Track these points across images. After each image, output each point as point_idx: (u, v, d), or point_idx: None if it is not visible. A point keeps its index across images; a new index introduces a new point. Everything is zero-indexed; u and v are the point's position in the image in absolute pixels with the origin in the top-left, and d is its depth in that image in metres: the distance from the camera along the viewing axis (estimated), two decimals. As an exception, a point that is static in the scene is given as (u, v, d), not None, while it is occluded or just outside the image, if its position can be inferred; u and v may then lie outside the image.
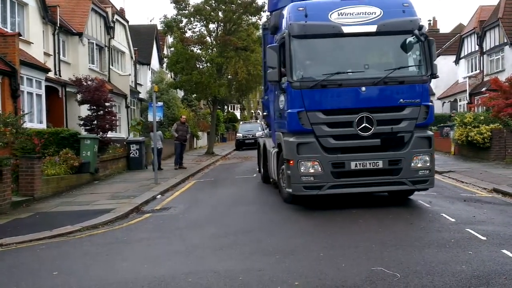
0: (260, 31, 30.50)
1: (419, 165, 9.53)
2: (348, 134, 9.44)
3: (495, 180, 13.45)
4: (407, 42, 9.70)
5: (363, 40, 9.69)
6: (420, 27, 9.60)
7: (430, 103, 9.84)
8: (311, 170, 9.40)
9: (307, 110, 9.40)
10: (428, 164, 9.60)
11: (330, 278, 5.95)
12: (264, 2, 27.52)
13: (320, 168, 9.36)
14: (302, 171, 9.40)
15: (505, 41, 31.16)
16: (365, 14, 9.57)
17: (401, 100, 9.52)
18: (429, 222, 8.73)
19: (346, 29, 9.47)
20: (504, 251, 6.75)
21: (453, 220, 8.81)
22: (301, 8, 9.65)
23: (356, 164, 9.42)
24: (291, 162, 9.55)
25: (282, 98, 10.20)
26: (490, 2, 35.95)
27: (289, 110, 9.63)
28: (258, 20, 28.68)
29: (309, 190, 9.49)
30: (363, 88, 9.44)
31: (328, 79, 9.41)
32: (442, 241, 7.33)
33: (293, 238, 7.97)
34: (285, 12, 10.30)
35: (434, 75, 9.71)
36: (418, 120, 9.56)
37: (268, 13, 11.97)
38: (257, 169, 18.81)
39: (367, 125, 9.39)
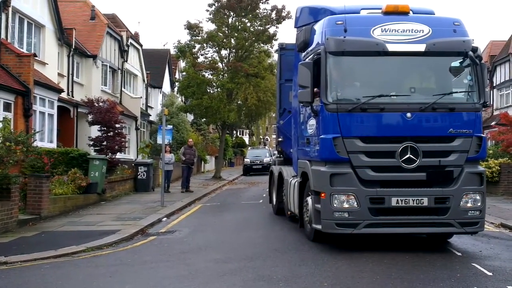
0: (271, 59, 31.27)
1: (469, 204, 8.47)
2: (389, 166, 8.40)
3: (503, 215, 13.32)
4: (458, 65, 8.75)
5: (409, 60, 8.74)
6: (474, 49, 8.67)
7: (483, 135, 8.85)
8: (346, 205, 8.33)
9: (344, 137, 8.36)
10: (479, 204, 8.50)
11: (333, 308, 5.91)
12: (276, 31, 28.00)
13: (356, 203, 8.29)
14: (335, 205, 8.33)
15: (516, 76, 31.27)
16: (412, 32, 8.60)
17: (451, 129, 8.49)
18: (435, 255, 8.64)
19: (391, 47, 8.47)
20: (510, 287, 6.67)
21: (459, 254, 8.73)
22: (339, 22, 8.67)
23: (398, 200, 8.31)
24: (323, 194, 8.48)
25: (312, 121, 9.16)
26: (501, 37, 36.23)
27: (322, 136, 8.60)
28: (270, 48, 29.13)
29: (342, 228, 8.38)
30: (409, 114, 8.40)
31: (369, 102, 8.38)
32: (447, 275, 7.25)
33: (297, 266, 7.92)
34: (318, 26, 9.34)
35: (486, 104, 8.82)
36: (470, 153, 8.52)
37: (296, 29, 10.91)
38: (264, 195, 18.89)
39: (411, 156, 8.34)
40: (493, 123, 30.00)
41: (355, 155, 8.36)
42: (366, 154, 8.38)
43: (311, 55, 9.26)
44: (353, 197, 8.29)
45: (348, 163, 8.38)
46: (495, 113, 32.05)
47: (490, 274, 7.41)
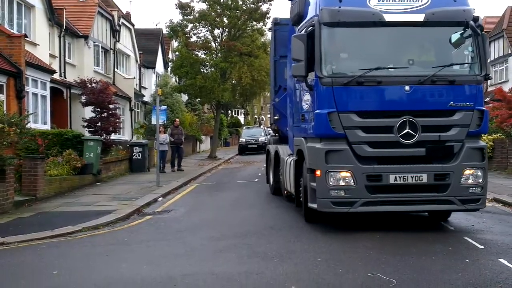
0: (264, 37, 31.04)
1: (470, 181, 8.16)
2: (387, 141, 8.08)
3: (495, 190, 13.45)
4: (458, 35, 8.35)
5: (407, 31, 8.32)
6: (476, 19, 8.27)
7: (485, 108, 8.51)
8: (342, 183, 8.03)
9: (339, 111, 8.02)
10: (480, 180, 8.19)
11: (327, 282, 6.01)
12: (269, 8, 27.75)
13: (352, 181, 7.99)
14: (331, 183, 8.03)
15: (509, 52, 31.30)
16: (410, 1, 8.21)
17: (452, 103, 8.15)
18: (429, 231, 8.75)
19: (388, 17, 8.08)
20: (501, 260, 6.79)
21: (452, 228, 8.86)
22: None
23: (395, 177, 8.01)
24: (318, 172, 8.16)
25: (307, 97, 8.81)
26: (495, 13, 36.09)
27: (317, 111, 8.26)
28: (263, 26, 28.90)
29: (339, 207, 8.09)
30: (407, 87, 8.04)
31: (366, 75, 8.02)
32: (440, 249, 7.37)
33: (292, 243, 8.02)
34: None
35: (488, 76, 8.48)
36: (471, 128, 8.18)
37: (290, 2, 10.37)
38: (259, 174, 18.99)
39: (410, 131, 8.01)
40: (487, 99, 30.05)
41: (352, 131, 8.04)
42: (362, 130, 8.07)
43: (305, 28, 8.93)
44: (349, 175, 7.99)
45: (344, 139, 8.06)
46: (490, 89, 32.08)
47: (482, 247, 7.54)
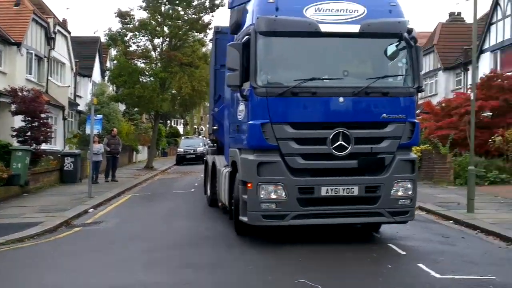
0: (205, 48, 31.10)
1: (399, 193, 8.15)
2: (320, 153, 7.96)
3: (421, 199, 14.01)
4: (393, 47, 8.32)
5: (343, 41, 8.25)
6: (410, 31, 8.26)
7: (417, 121, 8.49)
8: (273, 196, 7.85)
9: (273, 122, 7.84)
10: (410, 193, 8.21)
11: (255, 290, 6.11)
12: (211, 19, 27.88)
13: (284, 194, 7.83)
14: (262, 196, 7.82)
15: (439, 66, 32.99)
16: (346, 12, 8.14)
17: (385, 115, 8.10)
18: (356, 238, 9.05)
19: (324, 27, 7.96)
20: (420, 265, 7.12)
21: (378, 235, 9.20)
22: (271, 0, 8.10)
23: (327, 189, 7.94)
24: (249, 185, 7.94)
25: (242, 107, 8.57)
26: (427, 29, 37.99)
27: (250, 122, 8.04)
28: (204, 37, 28.98)
29: (269, 220, 7.90)
30: (341, 99, 7.98)
31: (300, 86, 7.88)
32: (364, 256, 7.64)
33: (224, 253, 8.06)
34: (250, 5, 8.80)
35: (421, 89, 8.46)
36: (402, 140, 8.16)
37: (229, 10, 10.11)
38: (196, 184, 18.91)
39: (343, 143, 7.92)
40: (417, 111, 31.48)
41: (285, 142, 7.87)
42: (296, 141, 7.90)
43: (242, 36, 8.76)
44: (281, 187, 7.83)
45: (277, 151, 7.89)
46: (420, 101, 33.61)
47: (404, 253, 7.92)
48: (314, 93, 7.97)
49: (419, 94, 36.99)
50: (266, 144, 7.90)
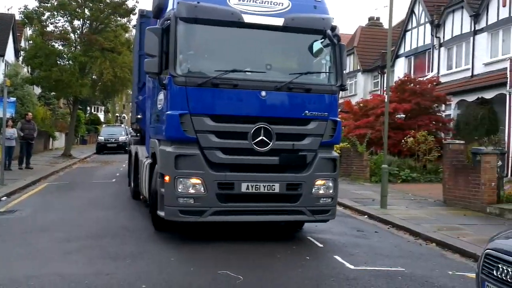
0: (128, 34, 30.26)
1: (320, 191, 8.08)
2: (241, 148, 7.73)
3: (339, 194, 14.59)
4: (317, 44, 8.10)
5: (266, 34, 8.00)
6: (333, 28, 8.19)
7: (339, 119, 8.45)
8: (192, 191, 7.57)
9: (192, 114, 7.56)
10: (331, 191, 8.17)
11: (177, 280, 6.18)
12: (135, 5, 27.17)
13: (203, 189, 7.56)
14: (179, 190, 7.53)
15: (358, 68, 34.45)
16: (270, 4, 7.95)
17: (307, 111, 7.98)
18: (277, 231, 9.33)
19: (247, 18, 7.75)
20: (336, 256, 7.55)
21: (298, 229, 9.53)
22: None
23: (248, 186, 7.71)
24: (167, 178, 7.63)
25: (161, 96, 8.28)
26: (348, 31, 39.47)
27: (169, 112, 7.71)
28: (128, 23, 28.20)
29: (187, 216, 7.60)
30: (263, 93, 7.76)
31: (222, 77, 7.61)
32: (284, 248, 7.93)
33: (146, 244, 7.99)
34: None
35: (343, 87, 8.37)
36: (324, 138, 8.08)
37: None
38: (117, 174, 18.48)
39: (264, 138, 7.74)
40: (338, 110, 32.72)
41: (204, 135, 7.61)
42: (216, 134, 7.65)
43: (162, 21, 8.45)
44: (200, 182, 7.55)
45: (196, 144, 7.61)
46: (340, 101, 34.92)
47: (321, 245, 8.33)
48: (235, 86, 7.71)
49: (341, 93, 38.71)
50: (185, 136, 7.59)
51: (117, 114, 73.86)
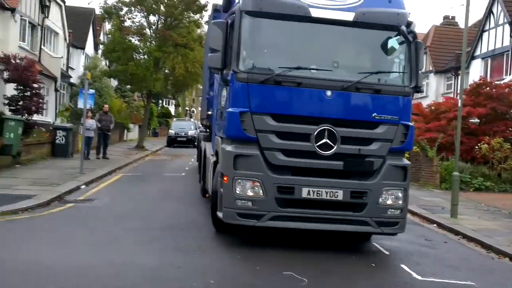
0: (200, 30, 30.96)
1: (388, 201, 7.47)
2: (302, 151, 7.29)
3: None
4: (392, 41, 7.47)
5: (335, 30, 7.48)
6: (409, 24, 7.53)
7: (411, 123, 7.70)
8: (250, 193, 7.24)
9: (253, 112, 7.20)
10: (400, 202, 7.52)
11: (243, 278, 6.37)
12: (207, 1, 27.78)
13: (261, 191, 7.21)
14: (237, 192, 7.23)
15: (431, 69, 33.35)
16: None
17: (375, 114, 7.42)
18: (341, 236, 9.24)
19: (314, 12, 7.28)
20: (403, 265, 7.45)
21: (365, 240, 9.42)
22: None
23: (309, 191, 7.27)
24: (225, 178, 7.36)
25: (224, 92, 8.03)
26: (421, 30, 38.25)
27: (229, 109, 7.41)
28: (200, 19, 28.88)
29: (244, 219, 7.29)
30: (329, 93, 7.29)
31: (285, 74, 7.24)
32: (349, 253, 7.95)
33: (213, 240, 8.23)
34: None
35: (419, 88, 7.73)
36: (394, 144, 7.46)
37: None
38: (186, 168, 19.09)
39: (328, 141, 7.26)
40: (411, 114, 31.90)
41: (265, 135, 7.24)
42: (277, 135, 7.26)
43: (228, 15, 8.17)
44: (258, 184, 7.21)
45: (256, 144, 7.26)
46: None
47: (387, 253, 8.21)
48: (299, 84, 7.28)
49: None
50: (244, 135, 7.25)
51: (186, 108, 75.84)
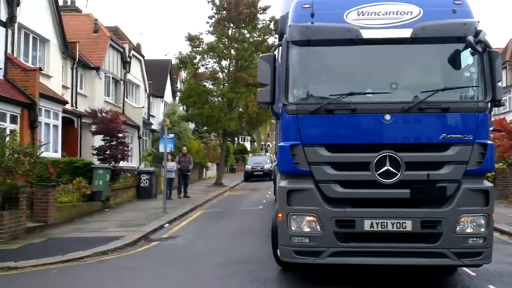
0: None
1: (468, 230, 6.63)
2: (362, 181, 6.72)
3: (495, 219, 13.69)
4: (457, 54, 6.85)
5: (391, 49, 6.94)
6: (477, 33, 6.65)
7: (489, 142, 6.84)
8: (306, 229, 6.76)
9: (304, 144, 6.76)
10: (482, 230, 6.62)
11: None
12: (275, 41, 28.54)
13: (319, 227, 6.71)
14: (293, 229, 6.77)
15: (512, 82, 31.77)
16: (396, 14, 6.85)
17: (445, 134, 6.67)
18: (422, 270, 9.02)
19: (366, 34, 6.78)
20: (491, 286, 7.14)
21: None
22: (306, 6, 6.99)
23: (372, 223, 6.65)
24: (280, 215, 6.96)
25: (278, 127, 7.69)
26: (499, 45, 36.67)
27: (281, 143, 7.10)
28: (269, 59, 29.57)
29: (302, 257, 6.78)
30: (388, 117, 6.69)
31: (337, 102, 6.75)
32: (432, 274, 7.69)
33: (290, 272, 8.16)
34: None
35: (498, 102, 6.84)
36: (470, 165, 6.64)
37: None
38: (264, 201, 19.35)
39: (390, 168, 6.62)
40: (490, 129, 30.44)
41: (319, 167, 6.75)
42: (332, 166, 6.74)
43: (275, 48, 7.84)
44: (315, 219, 6.71)
45: (310, 177, 6.76)
46: (492, 119, 32.45)
47: (474, 274, 7.84)
48: (353, 110, 6.75)
49: (493, 112, 35.76)
50: (297, 169, 6.81)
51: (262, 143, 76.91)
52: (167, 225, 13.80)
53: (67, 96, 20.85)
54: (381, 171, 6.64)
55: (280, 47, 7.21)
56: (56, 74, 19.79)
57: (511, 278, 7.66)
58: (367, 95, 6.94)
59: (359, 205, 6.74)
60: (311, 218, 6.73)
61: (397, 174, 6.62)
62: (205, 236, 12.18)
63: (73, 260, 9.42)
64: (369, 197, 6.73)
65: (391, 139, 6.73)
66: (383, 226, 6.65)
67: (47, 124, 18.23)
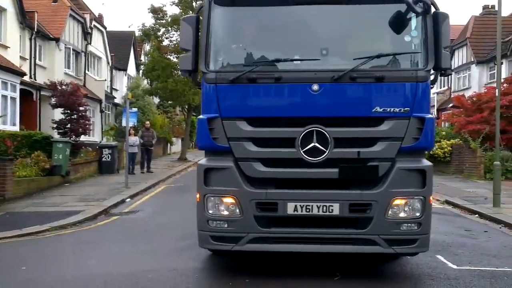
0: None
1: (401, 214, 5.94)
2: (286, 158, 6.00)
3: (449, 193, 14.24)
4: (398, 16, 5.95)
5: (324, 10, 6.17)
6: None
7: (429, 115, 6.05)
8: (225, 212, 6.09)
9: (223, 117, 6.03)
10: (417, 214, 5.93)
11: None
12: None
13: (237, 210, 6.03)
14: (210, 212, 6.13)
15: (472, 60, 32.55)
16: None
17: (378, 107, 5.92)
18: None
19: None
20: (439, 256, 7.47)
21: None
22: None
23: (296, 206, 5.96)
24: (197, 196, 6.30)
25: None
26: (459, 22, 37.42)
27: (200, 116, 6.28)
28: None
29: (219, 243, 6.17)
30: (315, 87, 5.90)
31: (259, 70, 5.99)
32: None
33: (221, 256, 8.37)
34: None
35: (443, 70, 6.15)
36: (405, 142, 5.91)
37: None
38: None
39: (318, 145, 5.90)
40: (449, 106, 31.29)
41: (239, 143, 6.02)
42: (254, 142, 6.01)
43: (198, 10, 6.84)
44: (234, 201, 6.02)
45: (230, 154, 6.05)
46: (453, 95, 33.34)
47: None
48: (278, 79, 5.96)
49: (452, 88, 36.66)
50: (215, 145, 6.09)
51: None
52: (128, 199, 13.76)
53: (25, 68, 20.26)
54: (307, 148, 5.93)
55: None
56: (13, 45, 19.17)
57: (459, 248, 8.04)
58: (295, 62, 6.15)
59: (283, 186, 6.07)
60: (229, 200, 6.06)
61: (325, 152, 5.92)
62: (166, 211, 12.22)
63: (31, 234, 9.35)
64: (294, 177, 6.06)
65: (319, 112, 5.97)
66: (308, 210, 5.97)
67: (4, 96, 17.75)
